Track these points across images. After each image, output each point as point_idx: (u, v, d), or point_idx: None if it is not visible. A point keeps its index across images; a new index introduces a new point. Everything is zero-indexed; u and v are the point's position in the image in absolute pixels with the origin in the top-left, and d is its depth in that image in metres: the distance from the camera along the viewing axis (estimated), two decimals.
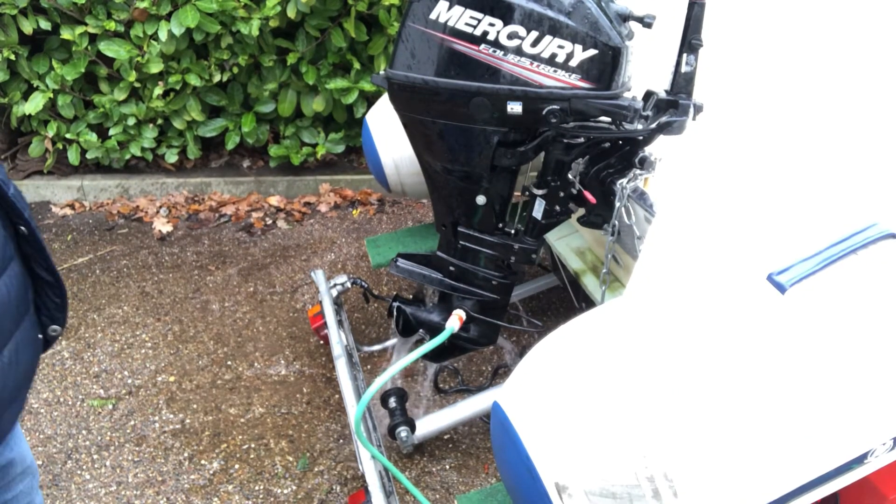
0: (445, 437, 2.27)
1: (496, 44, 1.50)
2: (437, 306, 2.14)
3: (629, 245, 1.77)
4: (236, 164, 3.87)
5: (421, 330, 2.16)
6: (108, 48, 3.18)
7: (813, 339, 1.16)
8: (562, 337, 1.34)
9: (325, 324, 2.33)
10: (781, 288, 1.18)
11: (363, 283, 2.48)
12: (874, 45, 1.90)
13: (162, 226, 3.45)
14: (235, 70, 3.35)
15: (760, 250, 1.27)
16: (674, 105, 1.57)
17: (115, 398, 2.46)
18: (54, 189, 3.71)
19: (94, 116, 3.49)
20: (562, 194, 1.84)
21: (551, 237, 2.39)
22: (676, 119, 1.52)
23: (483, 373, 2.54)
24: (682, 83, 1.55)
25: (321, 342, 2.59)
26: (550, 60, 1.49)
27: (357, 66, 3.37)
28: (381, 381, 1.69)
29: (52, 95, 3.32)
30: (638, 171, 1.64)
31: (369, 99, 3.49)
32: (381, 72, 1.73)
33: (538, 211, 1.89)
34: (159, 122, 3.54)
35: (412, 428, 2.04)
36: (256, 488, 2.14)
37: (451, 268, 2.01)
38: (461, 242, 1.95)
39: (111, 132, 3.49)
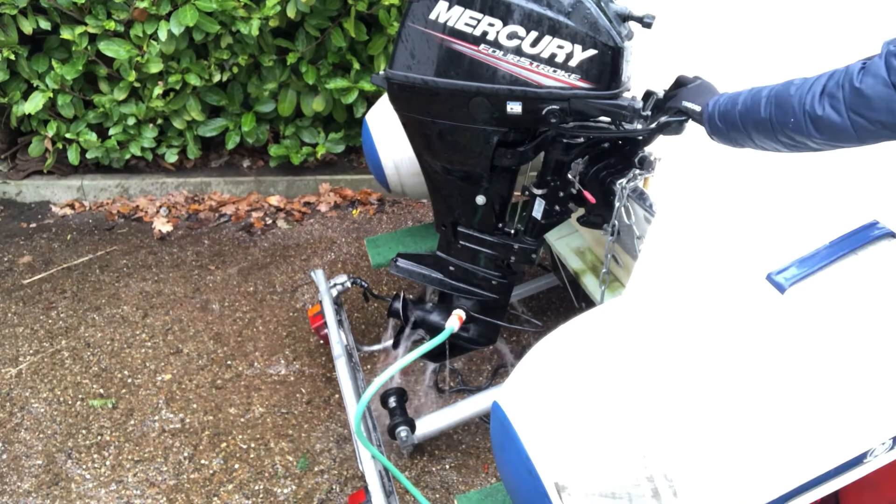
0: (445, 436, 2.27)
1: (496, 44, 1.50)
2: (437, 306, 2.14)
3: (629, 245, 1.77)
4: (236, 163, 3.87)
5: (420, 330, 2.17)
6: (108, 48, 3.18)
7: (812, 339, 1.16)
8: (561, 337, 1.34)
9: (325, 323, 2.33)
10: (781, 288, 1.18)
11: (363, 283, 2.48)
12: (874, 45, 1.90)
13: (162, 225, 3.45)
14: (235, 70, 3.35)
15: (760, 250, 1.27)
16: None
17: (114, 398, 2.46)
18: (54, 189, 3.71)
19: (94, 116, 3.49)
20: (561, 194, 1.84)
21: (551, 237, 2.39)
22: (676, 119, 1.53)
23: (483, 373, 2.54)
24: None
25: (321, 342, 2.59)
26: (550, 60, 1.49)
27: (357, 66, 3.37)
28: (381, 380, 1.69)
29: (51, 95, 3.32)
30: (638, 171, 1.64)
31: (369, 99, 3.49)
32: (381, 72, 1.74)
33: (538, 211, 1.90)
34: (159, 121, 3.54)
35: (412, 428, 2.04)
36: (256, 488, 2.14)
37: (451, 268, 2.01)
38: (461, 242, 1.95)
39: (111, 132, 3.49)
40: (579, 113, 1.55)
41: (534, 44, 1.48)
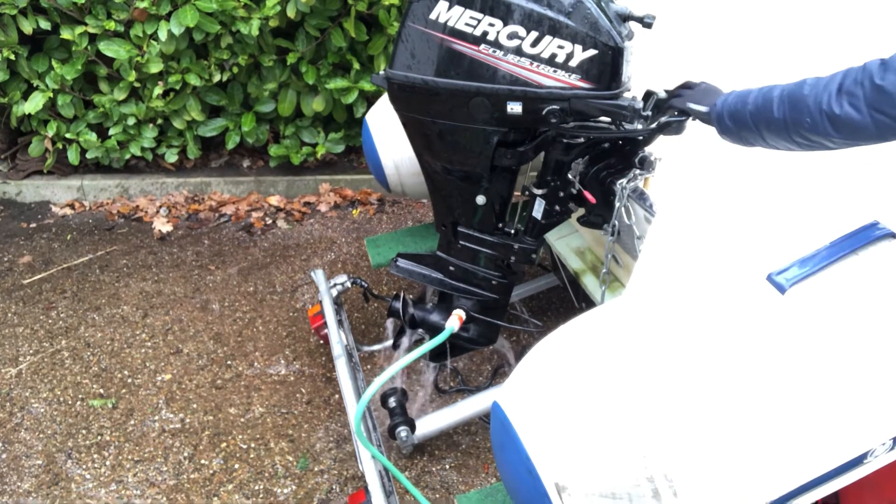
0: (445, 436, 2.27)
1: (496, 44, 1.50)
2: (437, 306, 2.14)
3: (629, 245, 1.77)
4: (236, 163, 3.87)
5: (420, 329, 2.17)
6: (108, 48, 3.18)
7: (812, 340, 1.16)
8: (562, 337, 1.34)
9: (325, 323, 2.33)
10: (781, 288, 1.18)
11: (363, 283, 2.48)
12: (874, 45, 1.90)
13: (162, 225, 3.45)
14: (235, 70, 3.35)
15: (760, 250, 1.27)
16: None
17: (114, 398, 2.46)
18: (54, 189, 3.71)
19: (94, 116, 3.49)
20: (562, 194, 1.84)
21: (551, 237, 2.39)
22: (676, 119, 1.53)
23: (483, 373, 2.54)
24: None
25: (321, 342, 2.59)
26: (550, 60, 1.49)
27: (357, 66, 3.37)
28: (381, 380, 1.69)
29: (51, 95, 3.32)
30: (638, 171, 1.64)
31: (369, 99, 3.49)
32: (381, 72, 1.74)
33: (538, 211, 1.89)
34: (159, 121, 3.54)
35: (412, 428, 2.04)
36: (256, 488, 2.14)
37: (451, 268, 2.01)
38: (461, 242, 1.95)
39: (111, 132, 3.49)
40: (579, 113, 1.55)
41: (534, 44, 1.48)
